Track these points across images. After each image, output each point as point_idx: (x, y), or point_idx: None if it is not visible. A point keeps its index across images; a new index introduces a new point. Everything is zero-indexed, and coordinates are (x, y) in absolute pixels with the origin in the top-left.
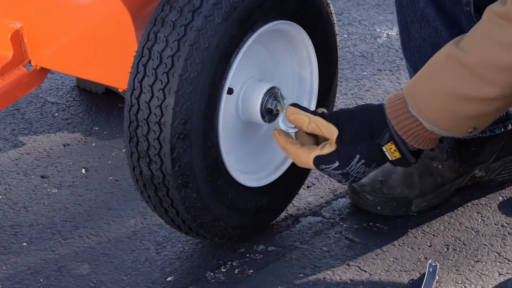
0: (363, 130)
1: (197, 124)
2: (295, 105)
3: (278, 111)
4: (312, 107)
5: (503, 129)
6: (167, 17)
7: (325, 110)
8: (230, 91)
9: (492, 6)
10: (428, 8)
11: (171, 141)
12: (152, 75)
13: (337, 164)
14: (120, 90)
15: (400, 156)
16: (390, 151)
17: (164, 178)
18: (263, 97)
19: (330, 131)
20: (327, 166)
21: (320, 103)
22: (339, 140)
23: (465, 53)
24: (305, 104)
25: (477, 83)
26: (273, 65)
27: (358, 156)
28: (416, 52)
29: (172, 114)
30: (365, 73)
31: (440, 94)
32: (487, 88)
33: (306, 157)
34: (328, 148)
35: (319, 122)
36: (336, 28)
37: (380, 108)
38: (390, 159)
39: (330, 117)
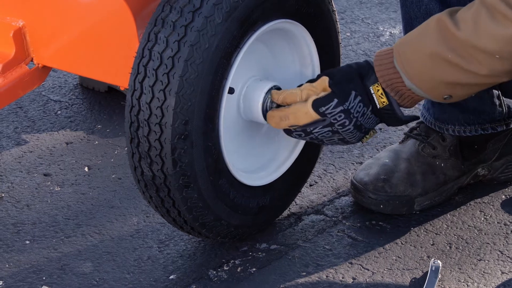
0: (351, 72)
1: (198, 125)
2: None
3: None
4: None
5: (505, 127)
6: (167, 17)
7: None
8: (231, 91)
9: None
10: (432, 3)
11: (172, 142)
12: (153, 76)
13: (336, 100)
14: (121, 89)
15: (387, 103)
16: (377, 94)
17: (165, 179)
18: (265, 96)
19: (322, 82)
20: (327, 106)
21: None
22: (331, 82)
23: (456, 26)
24: None
25: (464, 54)
26: (274, 63)
27: (353, 93)
28: None
29: (173, 115)
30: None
31: (425, 52)
32: (473, 63)
33: (304, 106)
34: (323, 93)
35: (309, 85)
36: (338, 26)
37: (366, 61)
38: (378, 106)
39: (318, 76)
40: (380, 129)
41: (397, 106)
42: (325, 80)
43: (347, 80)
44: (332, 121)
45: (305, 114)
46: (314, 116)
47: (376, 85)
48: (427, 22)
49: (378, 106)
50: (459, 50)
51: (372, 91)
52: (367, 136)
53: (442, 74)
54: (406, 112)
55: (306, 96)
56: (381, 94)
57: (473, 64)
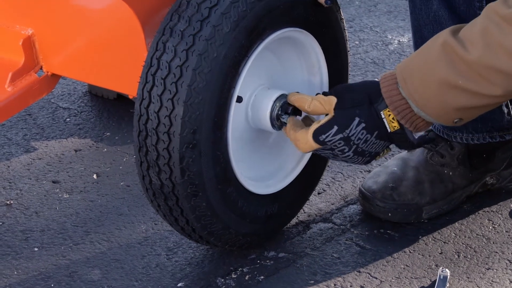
0: (360, 96)
1: (206, 134)
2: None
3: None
4: None
5: None
6: (175, 26)
7: None
8: (239, 100)
9: (494, 6)
10: (441, 10)
11: (180, 151)
12: (161, 85)
13: (335, 128)
14: (130, 97)
15: (399, 128)
16: (389, 118)
17: (173, 188)
18: (273, 104)
19: (330, 102)
20: (326, 135)
21: None
22: (337, 106)
23: (464, 48)
24: None
25: (476, 78)
26: (282, 72)
27: (357, 119)
28: None
29: (181, 124)
30: (377, 79)
31: (433, 81)
32: (486, 85)
33: (305, 135)
34: (326, 118)
35: (320, 98)
36: (346, 34)
37: (377, 83)
38: (389, 130)
39: (330, 92)
40: None
41: (408, 131)
42: (332, 101)
43: (353, 105)
44: (332, 147)
45: (305, 144)
46: (314, 146)
47: (387, 110)
48: (431, 46)
49: (389, 130)
50: (469, 74)
51: (383, 116)
52: (381, 154)
53: (453, 100)
54: (418, 134)
55: (313, 108)
56: (393, 119)
57: (485, 87)
